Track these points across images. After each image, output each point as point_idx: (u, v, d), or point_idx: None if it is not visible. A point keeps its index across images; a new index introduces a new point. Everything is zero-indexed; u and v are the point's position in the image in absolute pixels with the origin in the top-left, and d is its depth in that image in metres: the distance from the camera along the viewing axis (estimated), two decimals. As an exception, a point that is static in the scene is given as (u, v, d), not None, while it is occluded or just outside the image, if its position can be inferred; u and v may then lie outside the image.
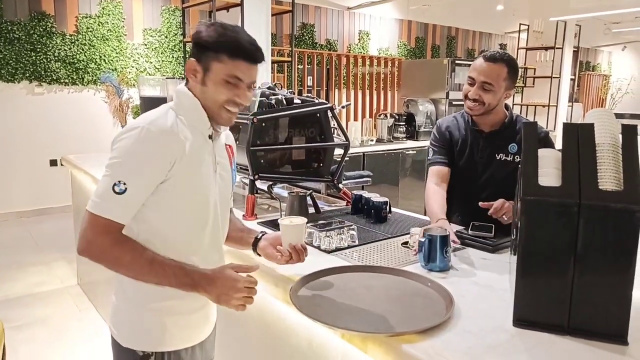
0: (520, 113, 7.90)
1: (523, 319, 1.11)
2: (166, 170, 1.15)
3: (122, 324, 1.27)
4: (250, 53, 1.19)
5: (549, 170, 1.14)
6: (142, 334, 1.25)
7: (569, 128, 1.15)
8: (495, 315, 1.17)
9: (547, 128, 7.47)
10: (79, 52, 5.61)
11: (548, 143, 1.78)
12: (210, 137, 1.27)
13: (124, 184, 1.11)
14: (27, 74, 5.37)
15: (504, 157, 1.90)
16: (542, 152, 1.18)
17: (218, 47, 1.17)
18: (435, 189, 1.90)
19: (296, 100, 2.22)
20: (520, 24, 7.83)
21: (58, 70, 5.52)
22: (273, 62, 4.40)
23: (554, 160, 1.16)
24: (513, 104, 8.16)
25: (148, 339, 1.25)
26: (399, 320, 1.13)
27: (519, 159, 1.84)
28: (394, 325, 1.10)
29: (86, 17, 5.61)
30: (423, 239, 1.45)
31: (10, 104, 5.35)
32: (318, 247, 1.64)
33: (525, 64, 7.91)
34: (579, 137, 1.13)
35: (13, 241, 4.74)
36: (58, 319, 3.18)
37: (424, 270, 1.43)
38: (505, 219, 1.70)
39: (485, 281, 1.40)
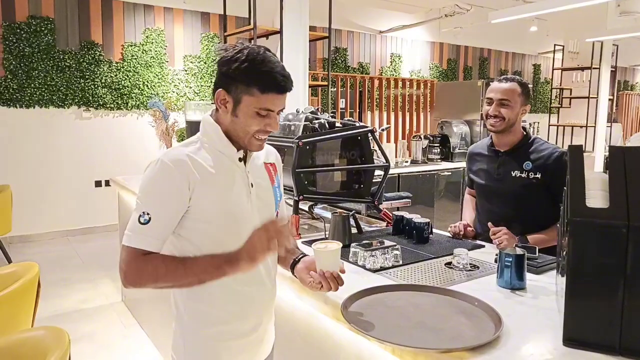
0: (557, 134, 7.81)
1: (573, 338, 1.12)
2: (186, 197, 1.19)
3: (179, 350, 1.32)
4: (282, 85, 1.20)
5: (596, 192, 1.16)
6: None
7: (615, 152, 1.18)
8: (543, 335, 1.19)
9: (585, 149, 7.33)
10: (124, 79, 5.90)
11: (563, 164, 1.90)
12: (241, 159, 1.29)
13: (148, 214, 1.17)
14: (76, 100, 5.68)
15: (519, 174, 2.05)
16: (589, 175, 1.21)
17: (249, 81, 1.17)
18: (467, 199, 2.40)
19: (337, 124, 2.30)
20: (555, 45, 7.77)
21: (104, 95, 5.81)
22: (310, 87, 4.53)
23: (601, 183, 1.19)
24: (549, 125, 8.06)
25: None
26: (449, 337, 1.16)
27: (532, 176, 2.02)
28: (444, 342, 1.14)
29: (131, 46, 5.91)
30: (509, 259, 1.49)
31: (60, 128, 5.65)
32: (363, 267, 1.69)
33: (560, 85, 7.81)
34: (626, 160, 1.16)
35: (60, 259, 4.95)
36: (104, 335, 3.30)
37: (469, 289, 1.46)
38: (497, 242, 1.86)
39: (531, 301, 1.41)
